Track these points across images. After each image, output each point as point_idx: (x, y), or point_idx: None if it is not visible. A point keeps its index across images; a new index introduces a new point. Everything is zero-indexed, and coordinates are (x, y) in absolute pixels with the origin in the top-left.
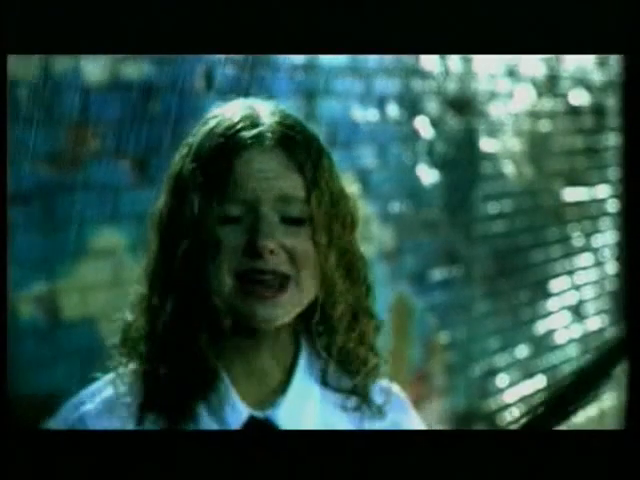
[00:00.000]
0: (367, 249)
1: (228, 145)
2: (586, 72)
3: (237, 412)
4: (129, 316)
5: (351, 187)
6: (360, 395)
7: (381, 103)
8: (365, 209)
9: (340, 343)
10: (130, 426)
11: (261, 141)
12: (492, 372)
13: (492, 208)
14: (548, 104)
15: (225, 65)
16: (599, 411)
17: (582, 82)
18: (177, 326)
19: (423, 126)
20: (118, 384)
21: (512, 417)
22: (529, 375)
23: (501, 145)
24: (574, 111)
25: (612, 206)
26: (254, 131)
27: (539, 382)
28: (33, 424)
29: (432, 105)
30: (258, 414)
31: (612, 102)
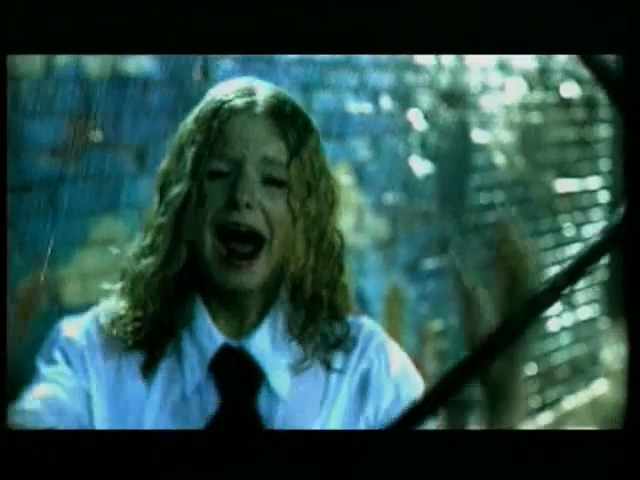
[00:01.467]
0: (361, 239)
1: (222, 109)
2: (577, 65)
3: (213, 339)
4: (128, 262)
5: (340, 175)
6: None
7: (375, 96)
8: (359, 200)
9: (309, 309)
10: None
11: (252, 108)
12: None
13: (484, 199)
14: (539, 97)
15: (222, 58)
16: (590, 399)
17: (573, 75)
18: (162, 267)
19: (416, 118)
20: (103, 315)
21: None
22: None
23: (493, 137)
24: (565, 103)
25: (603, 197)
26: (246, 99)
27: (531, 369)
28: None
29: (425, 98)
30: (232, 343)
31: (603, 95)
